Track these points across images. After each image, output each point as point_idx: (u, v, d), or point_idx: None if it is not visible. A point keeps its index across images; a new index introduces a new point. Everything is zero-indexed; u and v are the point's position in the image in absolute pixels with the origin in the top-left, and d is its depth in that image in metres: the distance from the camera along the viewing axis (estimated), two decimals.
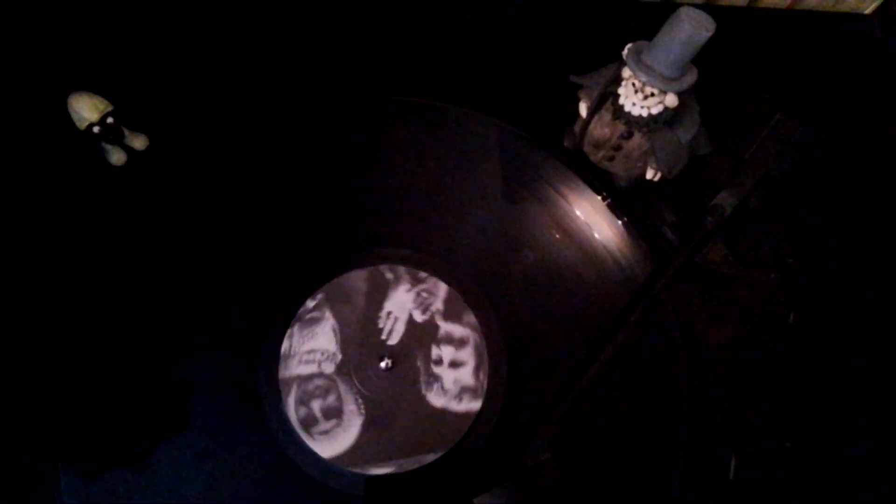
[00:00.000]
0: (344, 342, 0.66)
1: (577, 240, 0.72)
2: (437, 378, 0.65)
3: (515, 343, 0.67)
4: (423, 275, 0.69)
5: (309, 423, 0.63)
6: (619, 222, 0.72)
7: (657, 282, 0.69)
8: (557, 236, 0.72)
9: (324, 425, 0.63)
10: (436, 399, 0.65)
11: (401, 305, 0.68)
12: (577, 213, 0.73)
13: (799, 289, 0.73)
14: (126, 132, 0.69)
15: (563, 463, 0.61)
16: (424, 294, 0.68)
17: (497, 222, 0.73)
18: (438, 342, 0.67)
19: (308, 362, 0.65)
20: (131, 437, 0.62)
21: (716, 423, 0.67)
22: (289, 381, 0.64)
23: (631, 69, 0.62)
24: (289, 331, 0.66)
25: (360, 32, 0.82)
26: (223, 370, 0.65)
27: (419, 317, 0.68)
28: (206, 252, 0.69)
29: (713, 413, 0.68)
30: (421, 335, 0.67)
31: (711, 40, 0.58)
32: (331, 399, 0.64)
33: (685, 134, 0.67)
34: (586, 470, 0.64)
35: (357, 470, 0.62)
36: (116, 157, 0.70)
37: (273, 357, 0.65)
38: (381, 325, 0.67)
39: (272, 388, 0.64)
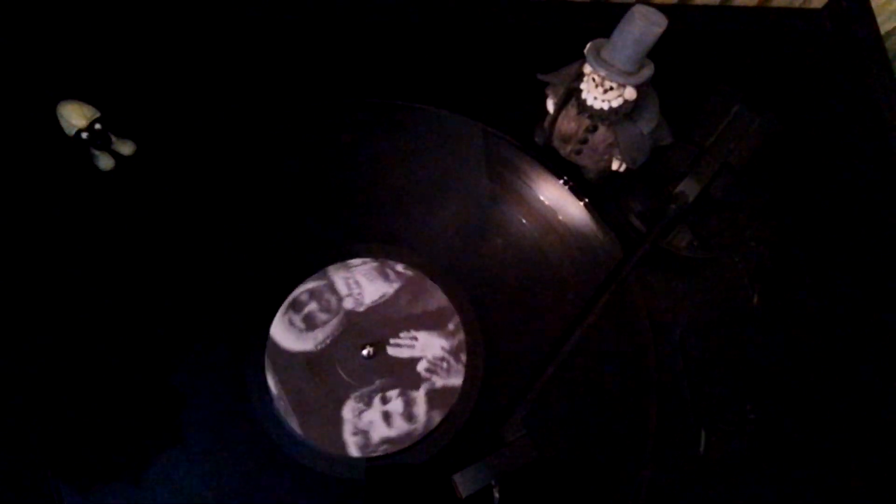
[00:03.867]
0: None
1: (542, 222, 0.76)
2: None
3: (490, 324, 0.71)
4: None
5: (295, 307, 0.68)
6: (581, 203, 0.76)
7: (625, 267, 0.73)
8: (524, 221, 0.75)
9: (298, 320, 0.68)
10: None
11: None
12: (542, 197, 0.77)
13: (762, 272, 0.77)
14: (113, 138, 0.72)
15: (538, 439, 0.64)
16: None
17: (465, 212, 0.76)
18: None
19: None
20: (126, 449, 0.65)
21: (685, 400, 0.70)
22: (325, 276, 0.69)
23: (591, 65, 0.66)
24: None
25: (336, 37, 0.85)
26: (212, 372, 0.68)
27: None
28: (191, 255, 0.72)
29: (682, 390, 0.71)
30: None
31: (671, 36, 0.62)
32: (322, 316, 0.68)
33: (646, 125, 0.71)
34: (560, 446, 0.67)
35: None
36: (105, 162, 0.73)
37: (259, 360, 0.68)
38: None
39: (261, 388, 0.67)
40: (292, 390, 0.67)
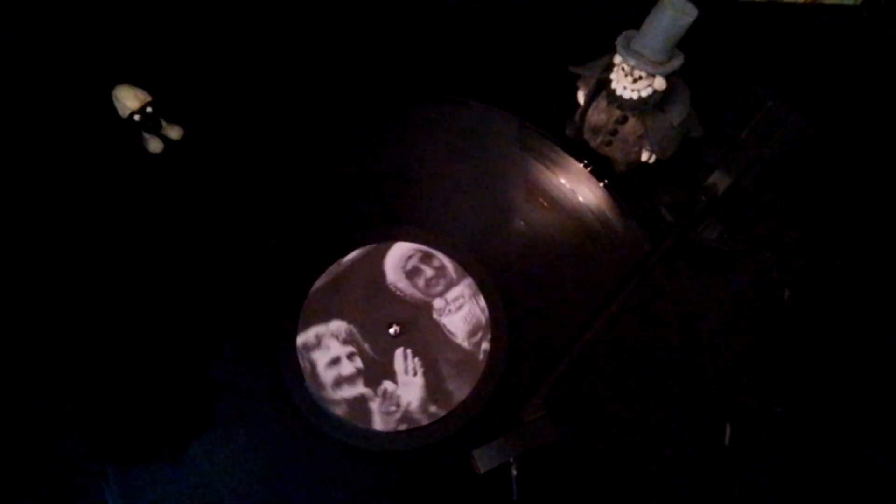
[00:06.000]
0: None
1: (563, 205, 0.77)
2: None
3: (513, 305, 0.72)
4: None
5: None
6: (601, 185, 0.77)
7: (652, 257, 0.73)
8: (545, 203, 0.77)
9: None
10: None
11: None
12: (562, 180, 0.78)
13: (794, 268, 0.76)
14: (163, 123, 0.76)
15: (558, 421, 0.65)
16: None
17: (486, 196, 0.78)
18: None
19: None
20: (166, 430, 0.67)
21: (709, 391, 0.70)
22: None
23: (621, 55, 0.67)
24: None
25: (371, 30, 0.88)
26: (246, 352, 0.71)
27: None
28: (233, 237, 0.75)
29: (707, 381, 0.70)
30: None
31: (703, 30, 0.63)
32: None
33: (676, 116, 0.71)
34: (580, 429, 0.67)
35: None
36: (154, 145, 0.77)
37: (290, 343, 0.70)
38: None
39: (293, 367, 0.70)
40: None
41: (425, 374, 0.69)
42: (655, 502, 0.66)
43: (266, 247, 0.75)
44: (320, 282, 0.73)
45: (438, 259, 0.74)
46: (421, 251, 0.75)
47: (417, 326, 0.71)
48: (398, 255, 0.74)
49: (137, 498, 0.65)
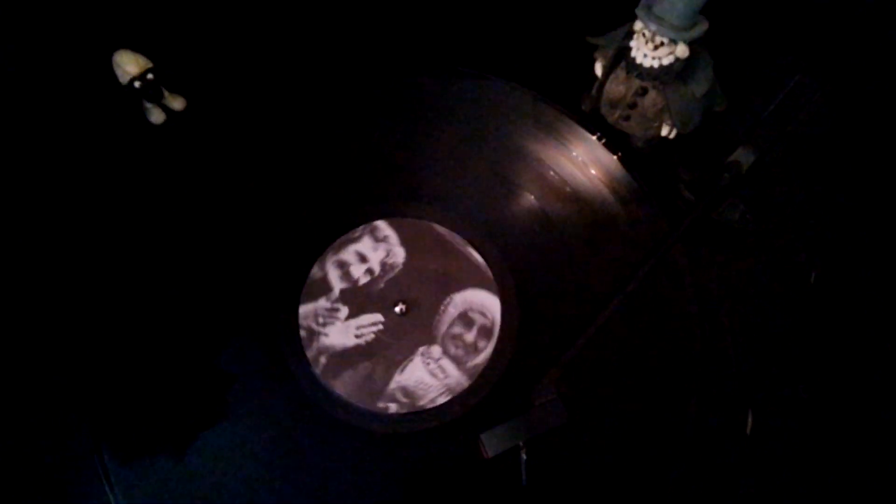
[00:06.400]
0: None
1: (575, 178, 0.74)
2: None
3: (524, 283, 0.69)
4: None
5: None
6: (615, 157, 0.74)
7: (672, 238, 0.70)
8: (556, 177, 0.74)
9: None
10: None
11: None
12: (574, 153, 0.75)
13: (821, 249, 0.72)
14: (165, 92, 0.74)
15: (569, 403, 0.62)
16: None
17: (495, 171, 0.75)
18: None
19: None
20: (170, 421, 0.65)
21: (731, 377, 0.67)
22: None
23: (641, 20, 0.64)
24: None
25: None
26: (252, 341, 0.68)
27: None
28: (235, 212, 0.73)
29: (728, 367, 0.67)
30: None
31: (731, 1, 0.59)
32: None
33: (699, 88, 0.68)
34: (592, 413, 0.64)
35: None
36: (156, 116, 0.75)
37: (293, 327, 0.68)
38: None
39: (298, 354, 0.67)
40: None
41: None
42: (673, 493, 0.62)
43: (269, 224, 0.73)
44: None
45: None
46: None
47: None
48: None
49: (141, 494, 0.62)
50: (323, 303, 0.68)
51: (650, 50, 0.65)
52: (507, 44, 0.82)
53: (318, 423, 0.65)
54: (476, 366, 0.66)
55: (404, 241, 0.71)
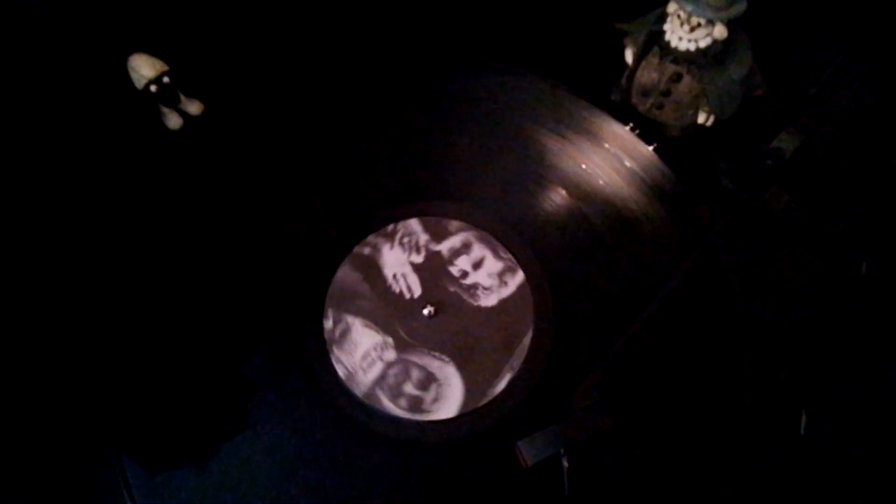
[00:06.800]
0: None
1: (609, 171, 0.71)
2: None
3: (559, 281, 0.66)
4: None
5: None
6: (650, 148, 0.70)
7: (713, 230, 0.66)
8: (588, 170, 0.71)
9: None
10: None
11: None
12: (606, 145, 0.71)
13: (871, 238, 0.68)
14: (182, 97, 0.72)
15: (612, 408, 0.58)
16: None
17: (524, 165, 0.72)
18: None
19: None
20: (193, 430, 0.63)
21: (782, 377, 0.63)
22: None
23: (677, 1, 0.61)
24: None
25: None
26: (272, 353, 0.65)
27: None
28: (253, 218, 0.71)
29: (779, 364, 0.63)
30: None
31: None
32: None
33: (737, 71, 0.65)
34: (636, 417, 0.60)
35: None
36: (173, 121, 0.73)
37: (318, 332, 0.65)
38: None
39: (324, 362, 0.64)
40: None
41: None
42: (724, 498, 0.59)
43: (291, 230, 0.70)
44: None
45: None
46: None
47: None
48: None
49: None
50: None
51: (686, 32, 0.62)
52: (533, 36, 0.80)
53: (346, 431, 0.62)
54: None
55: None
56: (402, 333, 0.65)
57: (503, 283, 0.66)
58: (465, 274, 0.67)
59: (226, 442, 0.62)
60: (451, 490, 0.60)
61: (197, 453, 0.61)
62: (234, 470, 0.61)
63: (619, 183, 0.70)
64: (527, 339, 0.64)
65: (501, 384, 0.62)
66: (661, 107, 0.70)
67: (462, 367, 0.63)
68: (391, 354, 0.64)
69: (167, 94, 0.69)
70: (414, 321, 0.65)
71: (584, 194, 0.70)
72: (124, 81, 0.69)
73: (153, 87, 0.68)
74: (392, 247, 0.68)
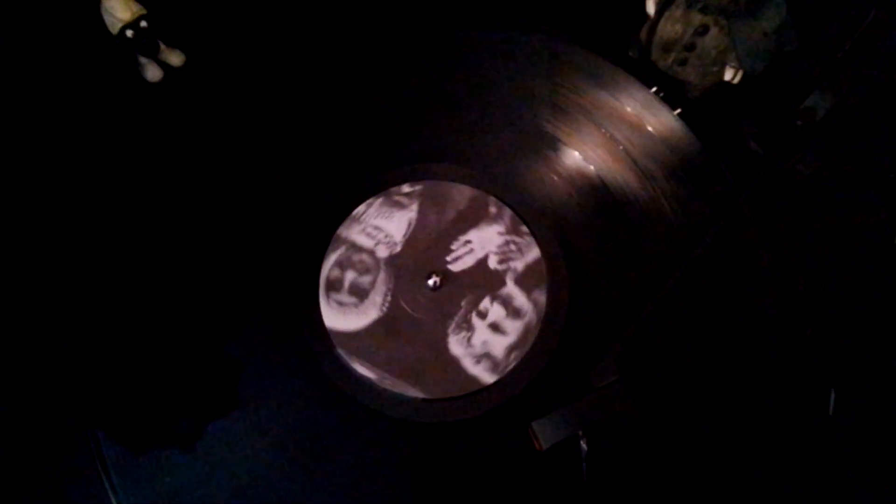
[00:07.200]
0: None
1: (630, 136, 0.65)
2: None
3: (573, 248, 0.62)
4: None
5: (334, 287, 0.60)
6: (674, 113, 0.65)
7: (740, 196, 0.61)
8: (607, 133, 0.65)
9: (344, 297, 0.59)
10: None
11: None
12: (628, 108, 0.66)
13: None
14: (162, 46, 0.66)
15: (634, 386, 0.54)
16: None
17: (536, 129, 0.67)
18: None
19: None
20: (183, 413, 0.58)
21: (811, 354, 0.59)
22: (341, 241, 0.61)
23: None
24: (371, 199, 0.63)
25: None
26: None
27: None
28: (238, 182, 0.65)
29: (807, 341, 0.59)
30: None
31: None
32: (364, 279, 0.60)
33: (770, 23, 0.60)
34: (659, 396, 0.56)
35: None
36: (152, 72, 0.67)
37: (312, 303, 0.60)
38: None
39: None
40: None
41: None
42: (751, 481, 0.55)
43: (281, 195, 0.65)
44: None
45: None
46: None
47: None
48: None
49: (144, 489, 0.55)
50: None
51: None
52: None
53: (343, 410, 0.57)
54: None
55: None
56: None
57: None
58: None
59: (214, 421, 0.57)
60: (457, 474, 0.56)
61: (183, 433, 0.57)
62: (223, 450, 0.56)
63: (639, 146, 0.65)
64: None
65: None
66: (683, 62, 0.65)
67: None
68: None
69: (145, 42, 0.63)
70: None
71: (601, 160, 0.65)
72: (98, 26, 0.63)
73: (129, 33, 0.62)
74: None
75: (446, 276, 0.60)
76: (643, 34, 0.66)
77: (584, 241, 0.62)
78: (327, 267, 0.61)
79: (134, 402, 0.58)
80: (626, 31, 0.69)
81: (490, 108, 0.67)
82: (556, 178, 0.64)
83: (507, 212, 0.63)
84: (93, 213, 0.63)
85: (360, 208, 0.63)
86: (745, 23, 0.59)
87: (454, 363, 0.58)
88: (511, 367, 0.57)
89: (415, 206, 0.63)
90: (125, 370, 0.59)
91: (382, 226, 0.62)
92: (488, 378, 0.57)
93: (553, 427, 0.52)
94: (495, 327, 0.59)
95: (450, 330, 0.59)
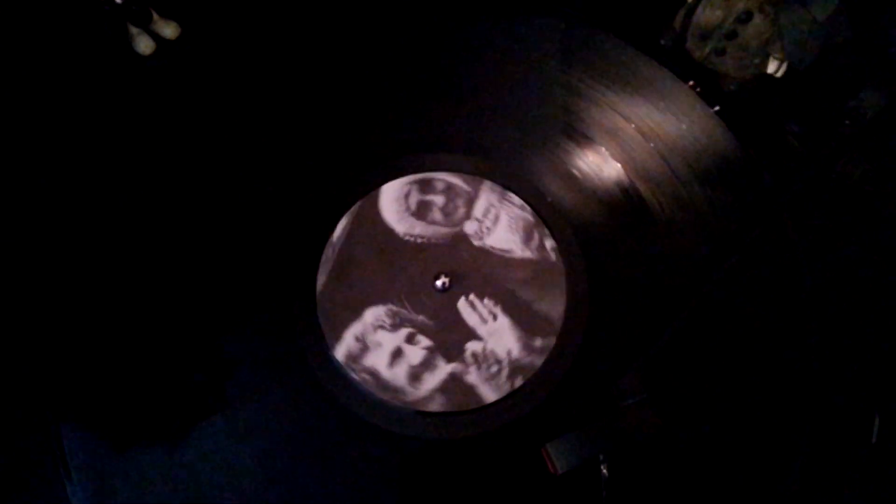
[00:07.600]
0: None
1: (662, 134, 0.60)
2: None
3: (595, 254, 0.57)
4: (479, 181, 0.58)
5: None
6: (712, 111, 0.60)
7: (781, 199, 0.57)
8: (637, 131, 0.60)
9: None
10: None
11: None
12: (662, 103, 0.61)
13: None
14: (155, 16, 0.61)
15: (662, 405, 0.49)
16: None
17: (559, 123, 0.61)
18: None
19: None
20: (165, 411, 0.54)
21: (853, 373, 0.54)
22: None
23: None
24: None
25: None
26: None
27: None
28: (238, 164, 0.60)
29: (851, 362, 0.54)
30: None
31: None
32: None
33: (821, 11, 0.55)
34: (689, 416, 0.51)
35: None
36: (144, 44, 0.62)
37: (309, 303, 0.55)
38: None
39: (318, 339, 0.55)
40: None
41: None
42: None
43: (278, 182, 0.60)
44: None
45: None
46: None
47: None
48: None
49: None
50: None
51: None
52: None
53: (338, 424, 0.53)
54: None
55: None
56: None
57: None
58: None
59: (200, 421, 0.53)
60: (460, 495, 0.51)
61: (167, 432, 0.52)
62: (209, 452, 0.52)
63: (672, 145, 0.60)
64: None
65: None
66: (721, 52, 0.59)
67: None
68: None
69: (136, 10, 0.58)
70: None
71: (629, 157, 0.60)
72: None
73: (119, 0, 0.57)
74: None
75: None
76: (679, 20, 0.61)
77: (606, 245, 0.57)
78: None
79: (117, 399, 0.53)
80: (659, 19, 0.64)
81: (509, 100, 0.62)
82: (580, 176, 0.59)
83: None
84: (73, 201, 0.58)
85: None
86: (793, 11, 0.54)
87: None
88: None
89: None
90: (108, 365, 0.54)
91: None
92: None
93: (570, 450, 0.47)
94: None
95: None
